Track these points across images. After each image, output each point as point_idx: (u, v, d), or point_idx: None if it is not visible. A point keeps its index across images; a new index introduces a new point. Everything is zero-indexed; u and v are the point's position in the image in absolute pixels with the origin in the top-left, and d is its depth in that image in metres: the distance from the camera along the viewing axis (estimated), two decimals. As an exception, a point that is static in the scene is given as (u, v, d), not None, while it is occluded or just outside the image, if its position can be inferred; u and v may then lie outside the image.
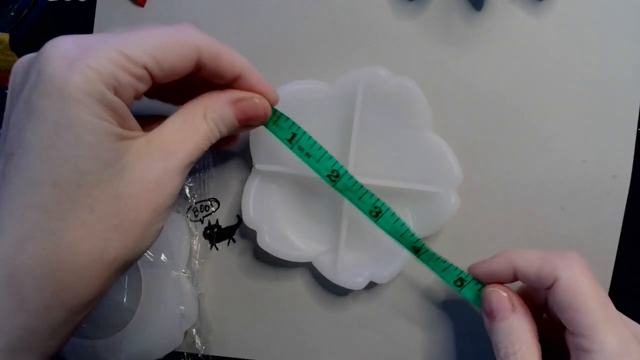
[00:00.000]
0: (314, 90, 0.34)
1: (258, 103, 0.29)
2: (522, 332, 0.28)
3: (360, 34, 0.35)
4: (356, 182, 0.31)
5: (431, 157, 0.33)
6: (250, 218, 0.35)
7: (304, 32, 0.35)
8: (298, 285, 0.37)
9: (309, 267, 0.36)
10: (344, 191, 0.31)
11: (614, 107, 0.34)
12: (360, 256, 0.35)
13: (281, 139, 0.31)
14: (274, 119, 0.30)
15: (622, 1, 0.34)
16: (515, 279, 0.29)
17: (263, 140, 0.34)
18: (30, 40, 0.37)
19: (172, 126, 0.26)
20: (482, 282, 0.31)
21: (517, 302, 0.29)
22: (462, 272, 0.31)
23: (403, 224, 0.31)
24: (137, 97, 0.25)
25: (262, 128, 0.31)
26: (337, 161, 0.31)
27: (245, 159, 0.36)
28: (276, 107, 0.30)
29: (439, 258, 0.31)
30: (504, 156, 0.35)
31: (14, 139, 0.23)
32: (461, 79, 0.35)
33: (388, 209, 0.31)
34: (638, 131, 0.34)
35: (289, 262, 0.35)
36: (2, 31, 0.36)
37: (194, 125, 0.26)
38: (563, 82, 0.34)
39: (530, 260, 0.28)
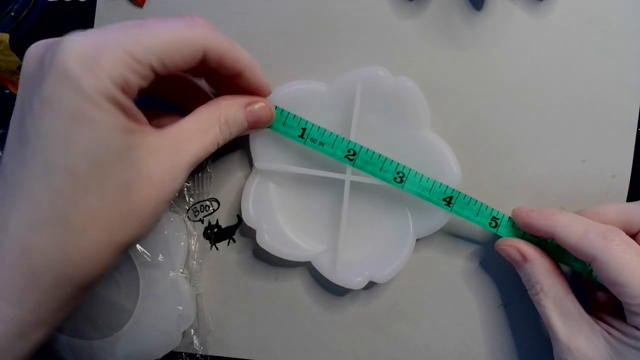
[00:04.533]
0: (313, 90, 0.34)
1: (265, 106, 0.31)
2: (539, 275, 0.31)
3: (360, 34, 0.35)
4: (374, 153, 0.32)
5: (430, 157, 0.33)
6: (250, 217, 0.35)
7: (304, 32, 0.35)
8: (297, 285, 0.37)
9: (309, 267, 0.36)
10: (364, 167, 0.32)
11: (613, 107, 0.34)
12: (359, 255, 0.35)
13: (293, 137, 0.32)
14: (282, 120, 0.32)
15: (622, 1, 0.34)
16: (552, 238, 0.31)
17: (263, 140, 0.34)
18: (30, 40, 0.37)
19: (186, 126, 0.28)
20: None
21: (527, 250, 0.31)
22: (493, 210, 0.32)
23: (428, 179, 0.32)
24: (140, 93, 0.26)
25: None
26: (350, 140, 0.32)
27: (245, 158, 0.36)
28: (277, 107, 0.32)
29: (470, 200, 0.32)
30: (503, 155, 0.35)
31: (30, 127, 0.24)
32: (461, 79, 0.35)
33: (410, 170, 0.32)
34: (637, 131, 0.34)
35: (289, 261, 0.35)
36: (2, 31, 0.36)
37: (205, 128, 0.28)
38: (563, 81, 0.34)
39: (570, 233, 0.29)
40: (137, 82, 0.25)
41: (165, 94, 0.33)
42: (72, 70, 0.23)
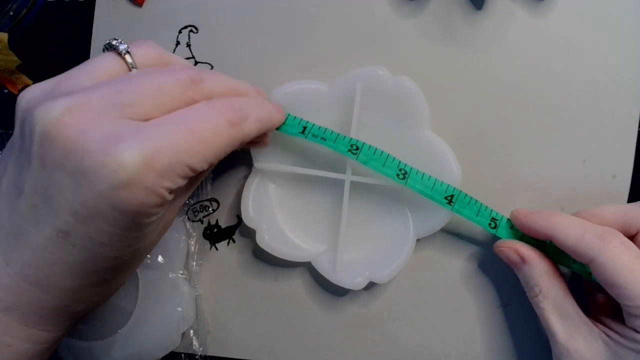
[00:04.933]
0: (313, 90, 0.34)
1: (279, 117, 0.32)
2: (537, 276, 0.31)
3: (360, 33, 0.35)
4: (376, 149, 0.32)
5: (430, 156, 0.33)
6: (250, 217, 0.35)
7: (304, 33, 0.35)
8: (297, 285, 0.37)
9: (308, 267, 0.36)
10: (367, 162, 0.32)
11: (614, 107, 0.34)
12: (359, 256, 0.35)
13: (294, 134, 0.32)
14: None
15: (622, 1, 0.34)
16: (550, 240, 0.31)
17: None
18: (29, 40, 0.38)
19: None
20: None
21: (526, 252, 0.31)
22: (492, 211, 0.32)
23: (430, 177, 0.32)
24: None
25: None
26: (352, 138, 0.32)
27: (245, 159, 0.36)
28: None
29: (471, 200, 0.32)
30: (503, 156, 0.35)
31: (37, 191, 0.23)
32: (461, 78, 0.35)
33: (412, 167, 0.32)
34: (638, 131, 0.34)
35: (288, 262, 0.35)
36: (1, 31, 0.36)
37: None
38: (563, 81, 0.34)
39: (568, 234, 0.29)
40: (184, 183, 0.25)
41: None
42: (112, 185, 0.22)
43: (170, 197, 0.24)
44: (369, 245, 0.35)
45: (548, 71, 0.34)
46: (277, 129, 0.32)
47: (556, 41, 0.34)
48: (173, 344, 0.36)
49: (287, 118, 0.32)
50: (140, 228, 0.24)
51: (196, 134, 0.24)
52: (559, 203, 0.35)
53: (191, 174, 0.24)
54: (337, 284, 0.34)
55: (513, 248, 0.31)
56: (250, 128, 0.27)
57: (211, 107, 0.25)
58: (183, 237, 0.36)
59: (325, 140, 0.32)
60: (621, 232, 0.29)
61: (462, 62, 0.35)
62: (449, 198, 0.32)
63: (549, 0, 0.34)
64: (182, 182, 0.24)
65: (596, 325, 0.30)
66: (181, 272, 0.36)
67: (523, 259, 0.31)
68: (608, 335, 0.29)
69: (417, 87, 0.33)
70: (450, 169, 0.33)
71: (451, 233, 0.35)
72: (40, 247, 0.24)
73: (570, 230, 0.29)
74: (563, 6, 0.34)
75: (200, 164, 0.24)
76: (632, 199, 0.34)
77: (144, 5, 0.36)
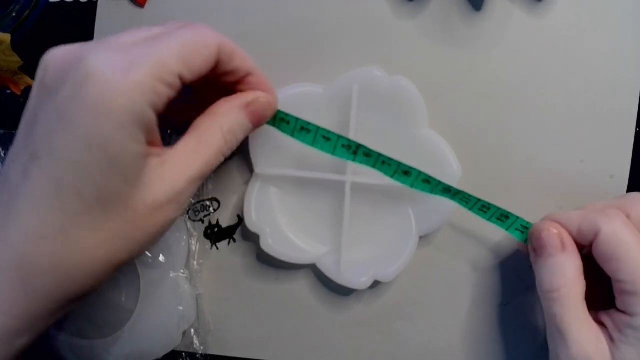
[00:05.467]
0: (310, 93, 0.34)
1: (265, 102, 0.30)
2: (569, 270, 0.29)
3: (359, 34, 0.35)
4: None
5: (430, 155, 0.33)
6: (253, 222, 0.35)
7: (304, 34, 0.35)
8: (301, 286, 0.37)
9: (312, 268, 0.36)
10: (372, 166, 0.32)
11: (612, 107, 0.34)
12: (363, 255, 0.35)
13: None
14: (297, 128, 0.32)
15: (621, 2, 0.34)
16: None
17: (262, 145, 0.34)
18: (31, 40, 0.38)
19: (187, 146, 0.27)
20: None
21: (567, 240, 0.30)
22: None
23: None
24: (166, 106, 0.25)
25: (261, 130, 0.31)
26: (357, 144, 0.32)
27: (245, 158, 0.36)
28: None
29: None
30: (501, 155, 0.35)
31: (43, 143, 0.23)
32: (461, 79, 0.35)
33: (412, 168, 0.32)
34: (636, 131, 0.34)
35: (292, 263, 0.35)
36: (3, 31, 0.36)
37: (208, 143, 0.27)
38: (561, 82, 0.34)
39: (572, 217, 0.30)
40: (167, 93, 0.24)
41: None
42: (102, 92, 0.22)
43: (152, 114, 0.24)
44: (373, 245, 0.35)
45: (546, 71, 0.34)
46: (292, 135, 0.32)
47: (555, 42, 0.34)
48: (174, 342, 0.36)
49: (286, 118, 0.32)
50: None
51: (158, 38, 0.25)
52: (557, 202, 0.35)
53: (168, 78, 0.24)
54: (343, 285, 0.34)
55: (559, 232, 0.30)
56: (214, 33, 0.27)
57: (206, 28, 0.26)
58: (184, 236, 0.36)
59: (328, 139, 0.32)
60: (578, 239, 0.29)
61: (462, 62, 0.35)
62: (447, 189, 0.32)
63: (548, 1, 0.34)
64: (162, 89, 0.24)
65: (600, 329, 0.29)
66: (182, 271, 0.36)
67: (564, 245, 0.29)
68: (611, 338, 0.28)
69: (414, 86, 0.33)
70: (449, 166, 0.33)
71: (453, 231, 0.35)
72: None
73: (573, 214, 0.30)
74: (561, 7, 0.34)
75: (175, 64, 0.24)
76: (630, 198, 0.34)
77: (146, 6, 0.36)
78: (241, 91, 0.29)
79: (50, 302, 0.24)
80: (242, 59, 0.28)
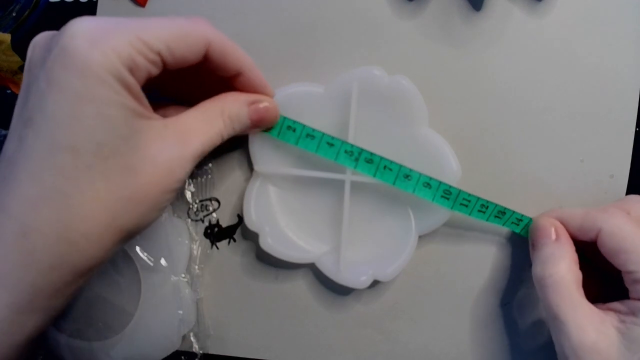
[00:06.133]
0: (310, 92, 0.34)
1: (268, 106, 0.31)
2: (560, 258, 0.30)
3: (359, 34, 0.35)
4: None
5: (429, 154, 0.33)
6: (252, 221, 0.35)
7: (304, 34, 0.36)
8: (300, 286, 0.37)
9: (311, 268, 0.36)
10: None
11: (612, 107, 0.34)
12: (362, 255, 0.35)
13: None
14: (303, 135, 0.33)
15: (621, 1, 0.34)
16: None
17: (262, 142, 0.34)
18: (31, 40, 0.38)
19: (192, 117, 0.28)
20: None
21: (561, 232, 0.31)
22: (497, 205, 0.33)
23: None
24: (149, 81, 0.26)
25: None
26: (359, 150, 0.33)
27: (245, 158, 0.36)
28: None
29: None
30: (501, 155, 0.35)
31: (34, 107, 0.24)
32: (460, 79, 0.35)
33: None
34: (636, 131, 0.34)
35: (290, 262, 0.35)
36: (4, 31, 0.36)
37: (211, 120, 0.28)
38: (561, 81, 0.34)
39: (574, 213, 0.31)
40: (146, 66, 0.25)
41: (172, 92, 0.33)
42: (79, 48, 0.23)
43: (131, 79, 0.24)
44: (372, 244, 0.35)
45: (546, 71, 0.34)
46: (296, 143, 0.33)
47: (554, 41, 0.34)
48: (173, 346, 0.36)
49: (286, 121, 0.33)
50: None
51: (150, 19, 0.26)
52: (556, 202, 0.35)
53: (147, 52, 0.25)
54: (342, 284, 0.34)
55: (552, 223, 0.31)
56: (209, 28, 0.28)
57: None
58: (186, 240, 0.36)
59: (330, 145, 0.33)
60: (580, 235, 0.30)
61: (462, 62, 0.35)
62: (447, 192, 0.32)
63: (548, 1, 0.34)
64: (139, 59, 0.24)
65: (606, 315, 0.29)
66: (183, 275, 0.36)
67: (558, 236, 0.31)
68: (621, 321, 0.28)
69: (413, 85, 0.33)
70: (449, 165, 0.33)
71: (452, 230, 0.35)
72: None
73: (576, 211, 0.31)
74: (561, 7, 0.34)
75: (154, 41, 0.25)
76: (630, 198, 0.35)
77: (147, 5, 0.37)
78: (237, 88, 0.30)
79: (56, 276, 0.24)
80: (236, 55, 0.29)
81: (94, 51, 0.23)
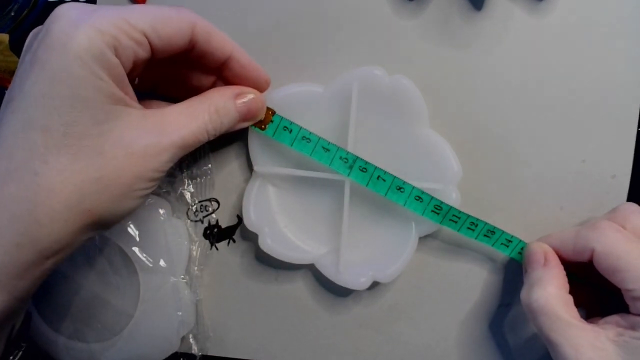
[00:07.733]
0: (310, 92, 0.34)
1: (255, 97, 0.31)
2: (547, 283, 0.30)
3: (360, 34, 0.35)
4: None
5: (430, 154, 0.33)
6: (252, 221, 0.35)
7: (304, 33, 0.35)
8: (300, 287, 0.37)
9: (311, 269, 0.36)
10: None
11: (613, 107, 0.34)
12: (362, 256, 0.35)
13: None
14: (299, 137, 0.33)
15: (622, 1, 0.34)
16: None
17: (262, 143, 0.34)
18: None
19: (174, 110, 0.28)
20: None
21: (550, 257, 0.31)
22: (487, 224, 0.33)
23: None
24: (137, 66, 0.26)
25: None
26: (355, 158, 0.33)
27: (245, 159, 0.36)
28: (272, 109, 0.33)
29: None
30: (503, 155, 0.35)
31: (16, 87, 0.25)
32: (461, 79, 0.35)
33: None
34: (638, 131, 0.34)
35: (290, 263, 0.35)
36: (2, 32, 0.36)
37: (194, 114, 0.28)
38: (562, 81, 0.34)
39: (565, 236, 0.31)
40: (131, 45, 0.25)
41: (164, 91, 0.33)
42: (61, 28, 0.24)
43: (114, 59, 0.25)
44: (372, 245, 0.35)
45: (547, 71, 0.34)
46: (291, 145, 0.33)
47: (555, 41, 0.34)
48: (172, 347, 0.36)
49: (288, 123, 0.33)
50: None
51: (140, 5, 0.26)
52: (558, 203, 0.35)
53: (131, 31, 0.25)
54: (342, 285, 0.34)
55: (543, 248, 0.32)
56: (194, 14, 0.28)
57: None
58: (185, 241, 0.36)
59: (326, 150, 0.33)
60: (575, 257, 0.30)
61: (463, 62, 0.35)
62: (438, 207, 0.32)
63: (549, 1, 0.34)
64: (124, 39, 0.25)
65: (603, 329, 0.28)
66: (182, 276, 0.36)
67: (546, 261, 0.31)
68: (619, 334, 0.28)
69: (414, 85, 0.33)
70: (450, 166, 0.33)
71: (452, 232, 0.35)
72: None
73: (565, 233, 0.31)
74: (562, 6, 0.34)
75: (138, 21, 0.25)
76: (631, 198, 0.35)
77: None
78: (228, 77, 0.31)
79: (21, 254, 0.24)
80: (221, 39, 0.29)
81: (75, 32, 0.24)
